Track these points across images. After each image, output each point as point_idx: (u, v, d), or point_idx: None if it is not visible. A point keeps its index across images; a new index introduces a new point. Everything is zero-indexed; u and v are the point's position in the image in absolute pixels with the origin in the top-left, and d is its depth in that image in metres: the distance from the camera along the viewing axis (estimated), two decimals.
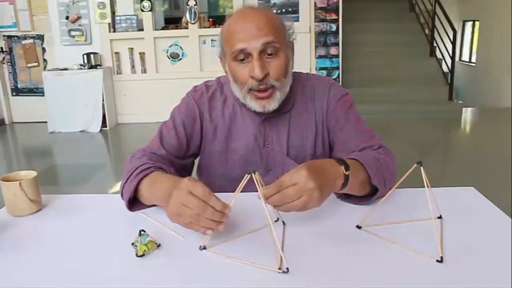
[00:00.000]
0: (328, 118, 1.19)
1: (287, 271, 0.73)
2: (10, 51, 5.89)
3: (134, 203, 1.00)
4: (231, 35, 1.05)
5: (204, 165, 1.25)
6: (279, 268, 0.74)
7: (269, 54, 1.03)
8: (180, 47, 5.76)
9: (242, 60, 1.04)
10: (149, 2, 5.59)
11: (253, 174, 0.78)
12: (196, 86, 1.24)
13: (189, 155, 1.21)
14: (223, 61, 1.14)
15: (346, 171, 0.89)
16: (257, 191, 0.80)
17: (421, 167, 0.83)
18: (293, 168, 0.83)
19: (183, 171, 1.20)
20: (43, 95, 5.65)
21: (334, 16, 5.68)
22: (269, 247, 0.82)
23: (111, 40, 5.72)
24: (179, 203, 0.79)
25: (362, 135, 1.15)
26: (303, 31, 5.51)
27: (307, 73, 1.25)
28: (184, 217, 0.79)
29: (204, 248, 0.82)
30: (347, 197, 1.01)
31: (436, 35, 6.56)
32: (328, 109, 1.18)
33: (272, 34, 1.02)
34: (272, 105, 1.08)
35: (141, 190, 0.99)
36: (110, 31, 5.71)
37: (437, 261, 0.75)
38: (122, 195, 1.02)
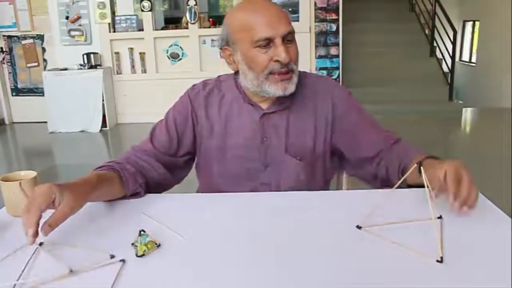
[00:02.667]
0: (338, 121, 1.20)
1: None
2: (10, 51, 5.89)
3: None
4: (250, 24, 1.07)
5: (202, 164, 1.25)
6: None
7: (288, 41, 1.09)
8: (180, 47, 5.76)
9: (264, 46, 1.08)
10: (149, 2, 5.59)
11: None
12: (195, 85, 1.26)
13: (183, 154, 1.22)
14: (228, 51, 1.15)
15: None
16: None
17: (421, 167, 0.83)
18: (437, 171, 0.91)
19: (177, 169, 1.22)
20: (43, 95, 5.65)
21: (334, 16, 5.68)
22: (271, 248, 0.82)
23: (111, 40, 5.72)
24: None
25: (384, 132, 1.23)
26: (303, 31, 5.51)
27: (305, 72, 1.25)
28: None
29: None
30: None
31: (436, 35, 6.57)
32: (334, 110, 1.20)
33: (290, 24, 1.09)
34: (291, 88, 1.12)
35: None
36: (110, 31, 5.71)
37: (437, 261, 0.75)
38: None
